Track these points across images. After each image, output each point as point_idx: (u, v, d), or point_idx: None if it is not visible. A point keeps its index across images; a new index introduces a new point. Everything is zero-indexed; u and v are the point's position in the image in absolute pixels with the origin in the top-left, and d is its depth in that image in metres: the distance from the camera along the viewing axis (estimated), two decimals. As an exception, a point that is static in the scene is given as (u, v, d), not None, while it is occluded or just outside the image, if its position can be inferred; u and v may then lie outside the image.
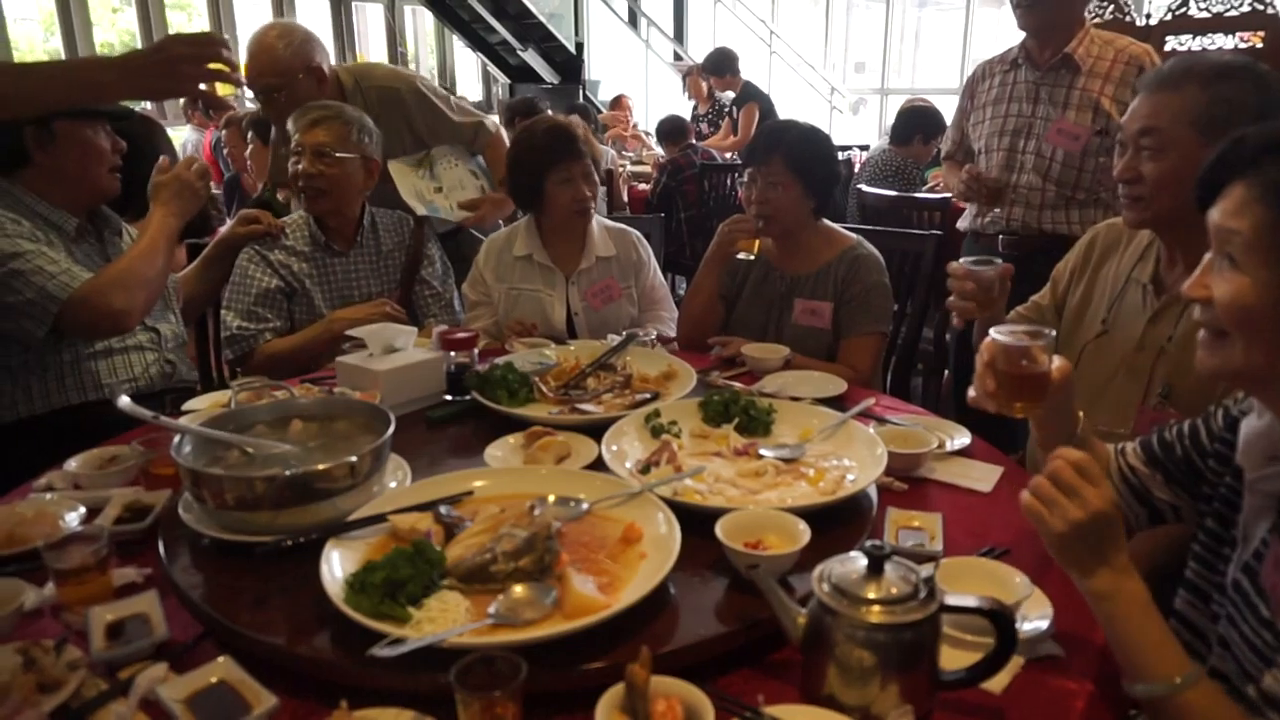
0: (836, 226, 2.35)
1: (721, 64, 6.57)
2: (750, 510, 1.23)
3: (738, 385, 1.86)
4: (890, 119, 5.39)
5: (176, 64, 1.48)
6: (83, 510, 1.39)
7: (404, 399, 1.67)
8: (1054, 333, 1.20)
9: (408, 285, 2.53)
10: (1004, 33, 9.51)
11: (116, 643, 1.08)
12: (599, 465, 1.46)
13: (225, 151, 4.83)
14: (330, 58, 2.68)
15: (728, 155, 6.31)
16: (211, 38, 1.50)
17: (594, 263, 2.44)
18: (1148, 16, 5.00)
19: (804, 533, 1.16)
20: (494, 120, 2.96)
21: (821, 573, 0.99)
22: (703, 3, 10.88)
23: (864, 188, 4.06)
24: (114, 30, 9.94)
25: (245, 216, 2.34)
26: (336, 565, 1.10)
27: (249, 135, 4.39)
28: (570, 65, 9.59)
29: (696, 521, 1.21)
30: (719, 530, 1.16)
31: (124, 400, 1.32)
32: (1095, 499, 0.99)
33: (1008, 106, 2.68)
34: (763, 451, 1.49)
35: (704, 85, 7.04)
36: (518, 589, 1.05)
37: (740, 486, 1.37)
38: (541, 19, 9.27)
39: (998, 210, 2.70)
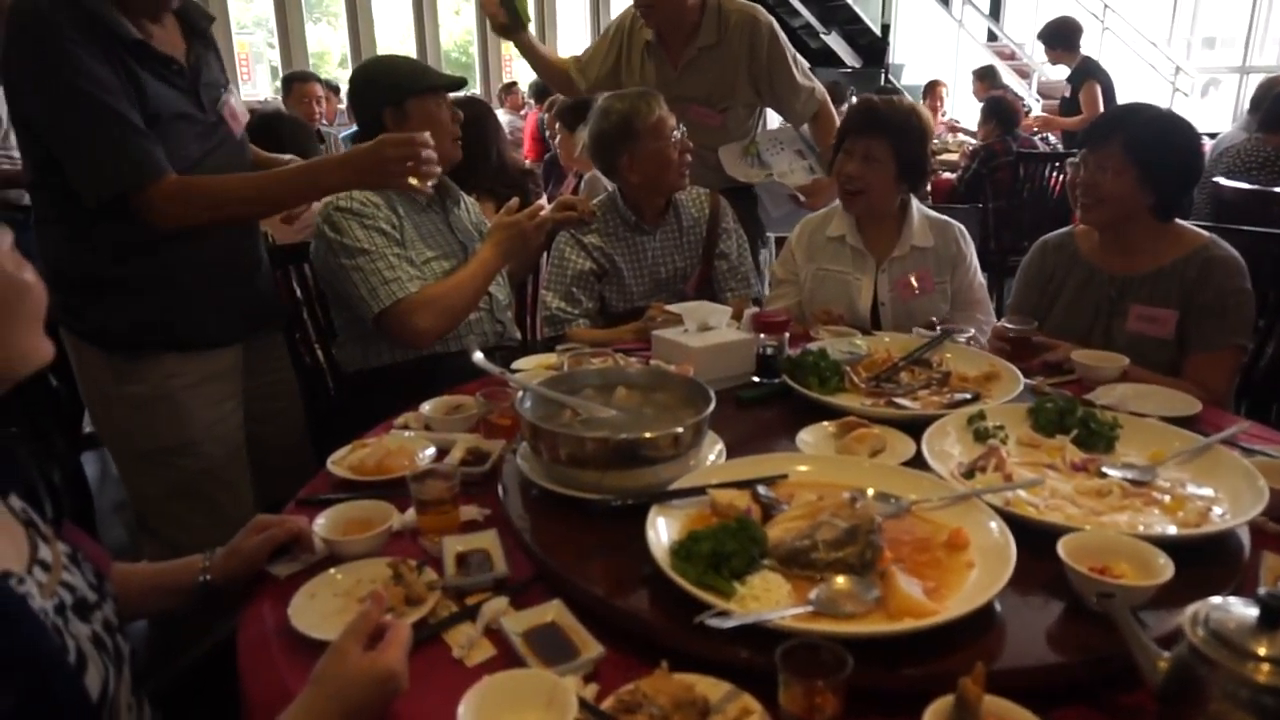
0: (1184, 223, 2.07)
1: (1064, 35, 5.91)
2: (1098, 533, 1.12)
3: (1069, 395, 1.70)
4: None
5: (387, 163, 1.74)
6: (433, 450, 1.56)
7: (715, 376, 1.70)
8: None
9: (708, 260, 2.58)
10: None
11: (464, 572, 1.19)
12: (915, 463, 1.40)
13: (547, 133, 5.24)
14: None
15: (1050, 139, 5.80)
16: (414, 140, 1.75)
17: (908, 251, 2.33)
18: None
19: (1165, 566, 1.03)
20: (823, 90, 2.93)
21: (1196, 615, 0.87)
22: (1026, -23, 10.06)
23: (1222, 180, 3.54)
24: (457, 21, 11.11)
25: (562, 203, 2.48)
26: (662, 531, 1.14)
27: (557, 125, 4.75)
28: (874, 48, 9.27)
29: (1027, 536, 1.12)
30: (1062, 550, 1.06)
31: (478, 355, 1.46)
32: None
33: None
34: (1106, 470, 1.34)
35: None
36: (839, 580, 1.03)
37: (1080, 505, 1.24)
38: (848, 1, 9.05)
39: None
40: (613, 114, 2.40)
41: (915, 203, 2.37)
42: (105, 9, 1.62)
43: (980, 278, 2.42)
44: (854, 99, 7.08)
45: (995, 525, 1.13)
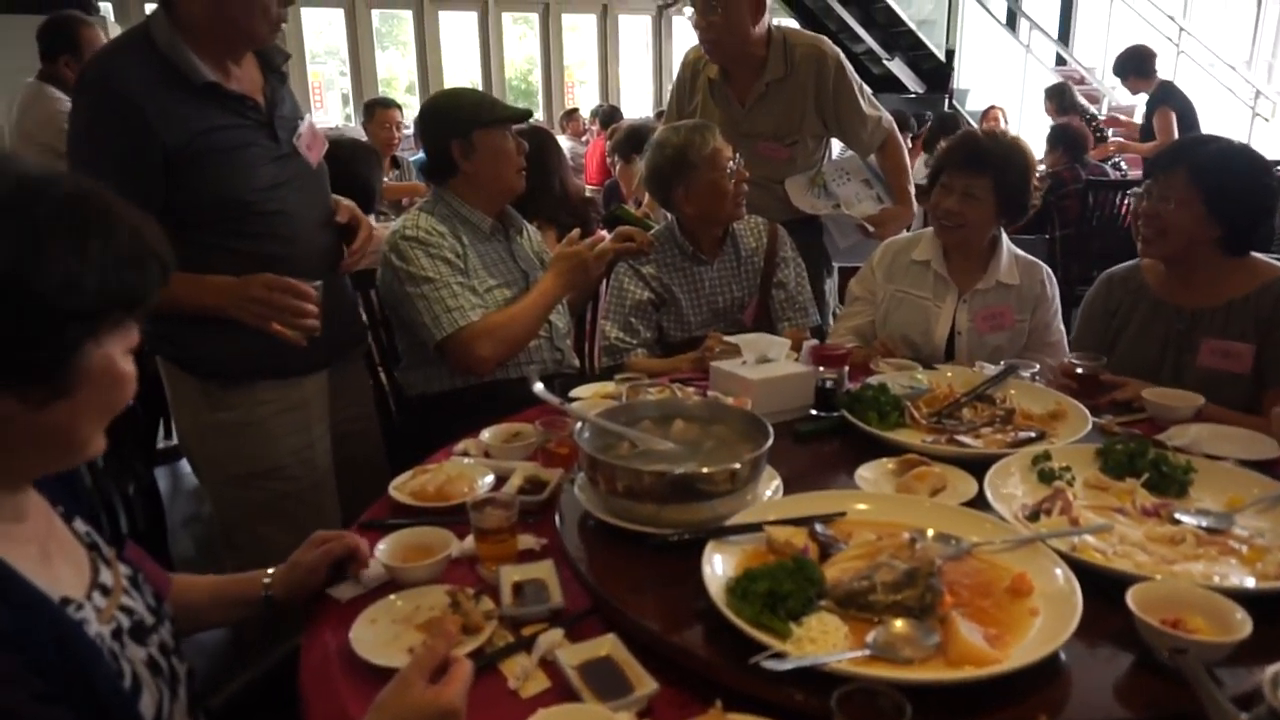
0: (1258, 255, 2.00)
1: (1136, 63, 5.75)
2: (1170, 583, 1.08)
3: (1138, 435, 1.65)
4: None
5: (248, 302, 1.70)
6: (492, 478, 1.57)
7: (773, 409, 1.69)
8: None
9: (765, 290, 2.57)
10: None
11: (521, 602, 1.20)
12: (976, 503, 1.37)
13: (609, 160, 5.32)
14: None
15: (1122, 165, 5.67)
16: (284, 288, 1.69)
17: (993, 286, 2.28)
18: None
19: (1243, 622, 1.00)
20: (890, 119, 2.93)
21: (1277, 676, 0.84)
22: (1096, 0, 9.86)
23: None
24: (520, 49, 11.35)
25: (621, 234, 2.51)
26: (718, 566, 1.14)
27: (615, 156, 4.80)
28: (938, 74, 9.16)
29: (1094, 584, 1.09)
30: (1132, 601, 1.03)
31: (538, 386, 1.48)
32: None
33: None
34: (1179, 516, 1.30)
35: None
36: (897, 623, 1.02)
37: (1151, 553, 1.21)
38: (911, 26, 8.96)
39: None
40: (668, 147, 2.42)
41: (1005, 239, 2.32)
42: (180, 55, 1.70)
43: (1060, 323, 2.36)
44: (918, 126, 7.04)
45: (1060, 572, 1.10)
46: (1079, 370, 1.93)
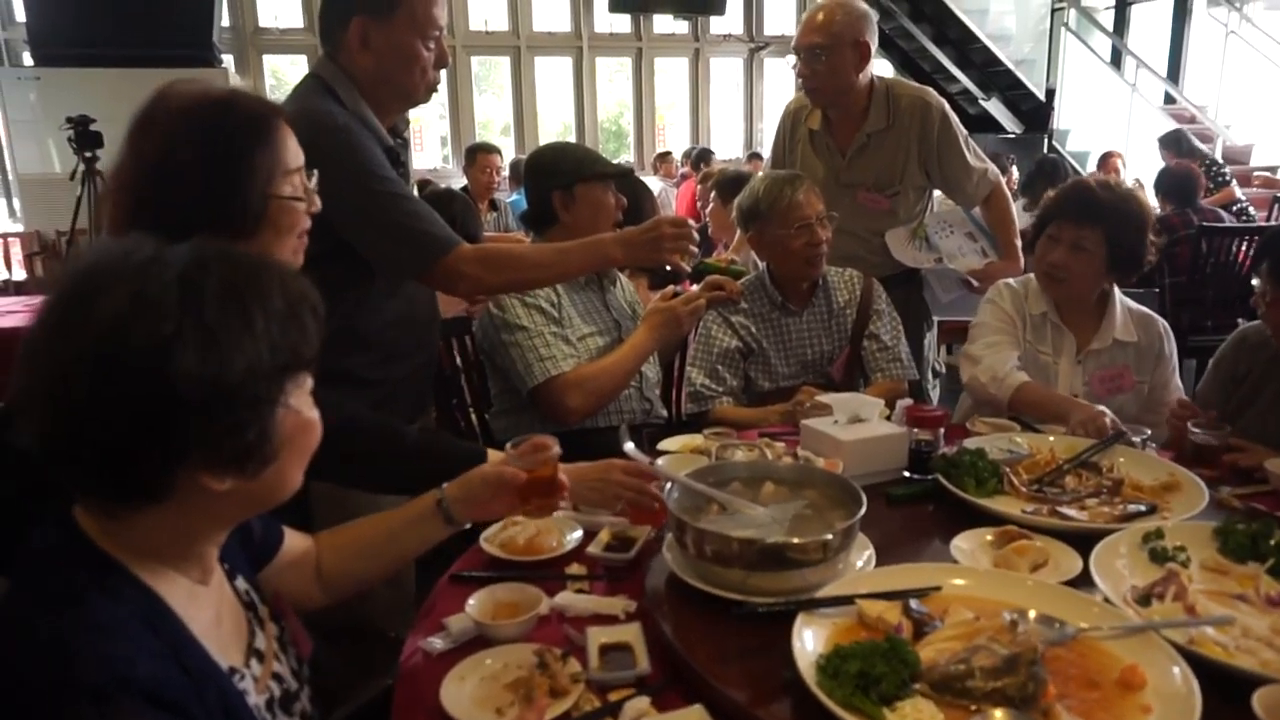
0: None
1: None
2: (1299, 685, 1.01)
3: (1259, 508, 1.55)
4: None
5: (662, 240, 1.84)
6: (580, 532, 1.58)
7: (865, 471, 1.67)
8: None
9: (856, 341, 2.54)
10: None
11: (608, 665, 1.20)
12: (1080, 582, 1.31)
13: (699, 204, 5.36)
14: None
15: (1251, 211, 5.40)
16: (686, 223, 1.90)
17: (1109, 344, 2.18)
18: None
19: (1383, 735, 0.92)
20: (995, 170, 2.88)
21: None
22: (1208, 36, 9.47)
23: None
24: (610, 91, 11.61)
25: (710, 284, 2.52)
26: (808, 641, 1.12)
27: (712, 194, 4.83)
28: (1037, 114, 8.95)
29: (1213, 679, 1.03)
30: (1259, 705, 0.96)
31: (629, 445, 1.49)
32: None
33: None
34: (1309, 608, 1.21)
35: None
36: (997, 714, 0.98)
37: (1277, 648, 1.12)
38: (1010, 66, 8.80)
39: None
40: (753, 190, 2.47)
41: (1117, 292, 2.22)
42: (366, 113, 1.77)
43: (1178, 380, 2.24)
44: (1014, 169, 6.87)
45: (1178, 670, 1.03)
46: (1198, 440, 1.81)
